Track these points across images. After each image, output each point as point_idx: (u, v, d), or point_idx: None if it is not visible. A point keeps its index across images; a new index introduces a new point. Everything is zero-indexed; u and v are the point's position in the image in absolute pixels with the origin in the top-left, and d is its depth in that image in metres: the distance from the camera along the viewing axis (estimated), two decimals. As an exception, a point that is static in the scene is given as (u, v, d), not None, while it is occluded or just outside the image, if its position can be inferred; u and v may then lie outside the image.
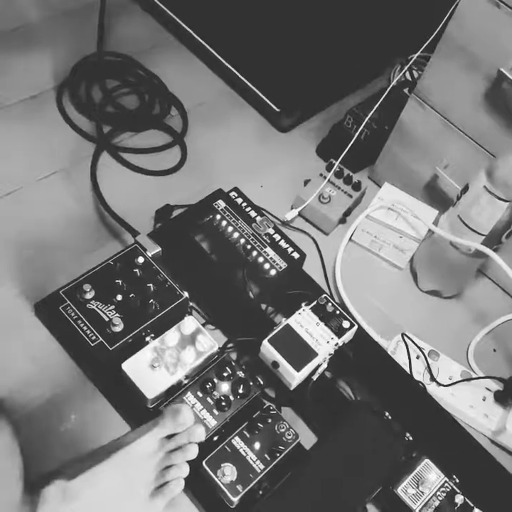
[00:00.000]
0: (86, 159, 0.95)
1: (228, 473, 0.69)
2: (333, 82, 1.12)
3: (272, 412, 0.74)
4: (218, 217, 0.88)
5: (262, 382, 0.77)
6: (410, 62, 0.99)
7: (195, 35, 1.12)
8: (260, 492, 0.70)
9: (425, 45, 0.91)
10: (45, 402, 0.74)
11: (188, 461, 0.66)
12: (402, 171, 1.01)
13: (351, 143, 0.99)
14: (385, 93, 0.98)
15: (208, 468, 0.69)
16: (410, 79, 1.13)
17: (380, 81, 1.18)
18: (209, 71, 1.14)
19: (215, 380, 0.74)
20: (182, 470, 0.65)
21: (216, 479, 0.68)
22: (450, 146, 0.93)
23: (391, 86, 1.00)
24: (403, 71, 1.08)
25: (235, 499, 0.68)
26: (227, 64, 1.10)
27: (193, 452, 0.66)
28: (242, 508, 0.69)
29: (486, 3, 0.78)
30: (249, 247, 0.86)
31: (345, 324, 0.80)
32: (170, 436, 0.66)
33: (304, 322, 0.79)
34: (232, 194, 0.91)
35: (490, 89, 0.84)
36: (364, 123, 1.00)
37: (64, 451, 0.69)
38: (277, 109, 1.07)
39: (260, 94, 1.08)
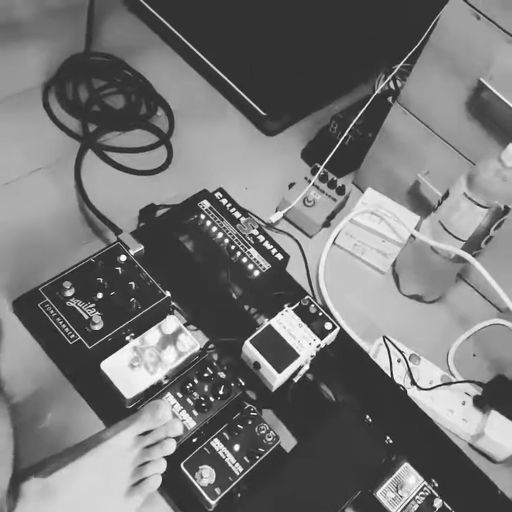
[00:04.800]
0: (71, 157, 0.94)
1: (206, 475, 0.68)
2: (319, 87, 1.13)
3: (252, 414, 0.73)
4: (203, 217, 0.88)
5: (243, 384, 0.76)
6: (393, 72, 1.01)
7: (182, 38, 1.12)
8: (239, 495, 0.69)
9: (409, 56, 0.93)
10: (22, 400, 0.72)
11: (166, 461, 0.65)
12: (385, 177, 1.02)
13: (336, 148, 0.99)
14: (369, 101, 0.99)
15: (186, 471, 0.68)
16: (394, 88, 1.15)
17: (366, 88, 1.19)
18: (196, 73, 1.14)
19: (196, 381, 0.74)
20: (159, 465, 0.64)
21: (194, 482, 0.68)
22: (432, 153, 0.94)
23: (375, 94, 1.01)
24: (386, 80, 1.10)
25: (213, 502, 0.67)
26: (213, 67, 1.10)
27: (170, 447, 0.65)
28: (220, 511, 0.68)
29: (468, 15, 0.79)
30: (233, 247, 0.86)
31: (328, 326, 0.80)
32: (147, 432, 0.65)
33: (287, 323, 0.79)
34: (217, 194, 0.91)
35: (470, 98, 0.85)
36: (348, 129, 1.01)
37: (40, 450, 0.67)
38: (263, 113, 1.08)
39: (246, 98, 1.09)
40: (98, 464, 0.61)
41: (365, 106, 0.99)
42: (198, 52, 1.12)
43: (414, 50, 0.90)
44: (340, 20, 1.02)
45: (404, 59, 0.94)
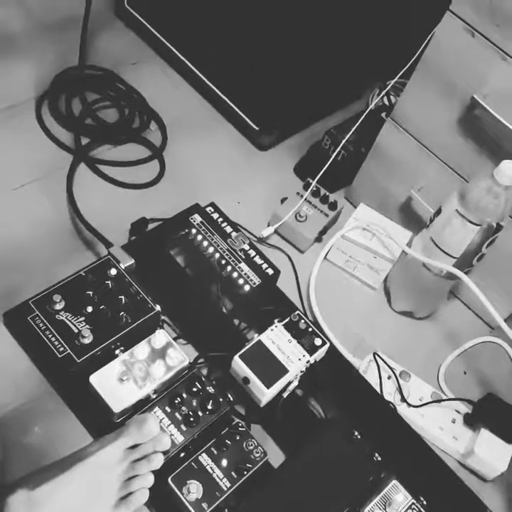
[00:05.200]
0: (63, 170, 0.94)
1: (194, 490, 0.67)
2: (313, 102, 1.13)
3: (240, 429, 0.73)
4: (194, 231, 0.88)
5: (231, 399, 0.76)
6: (388, 88, 1.01)
7: (177, 53, 1.13)
8: (226, 511, 0.69)
9: (403, 72, 0.93)
10: (10, 412, 0.72)
11: (153, 475, 0.65)
12: (377, 192, 1.02)
13: (328, 163, 1.00)
14: (362, 116, 1.00)
15: (173, 485, 0.68)
16: (388, 103, 1.15)
17: (359, 104, 1.20)
18: (190, 87, 1.14)
19: (184, 395, 0.73)
20: (147, 480, 0.64)
21: (181, 496, 0.67)
22: (424, 170, 0.94)
23: (368, 110, 1.02)
24: (380, 96, 1.11)
25: (200, 517, 0.67)
26: (207, 82, 1.11)
27: (158, 462, 0.65)
28: (207, 526, 0.68)
29: (462, 32, 0.80)
30: (223, 262, 0.86)
31: (318, 342, 0.80)
32: (134, 446, 0.65)
33: (276, 338, 0.79)
34: (209, 209, 0.91)
35: (464, 115, 0.85)
36: (341, 145, 1.02)
37: (27, 463, 0.67)
38: (256, 128, 1.08)
39: (240, 113, 1.09)
40: (85, 477, 0.61)
41: (359, 121, 1.00)
42: (191, 67, 1.12)
43: (408, 65, 0.91)
44: (335, 36, 1.03)
45: (398, 75, 0.94)
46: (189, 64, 1.12)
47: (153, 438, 0.66)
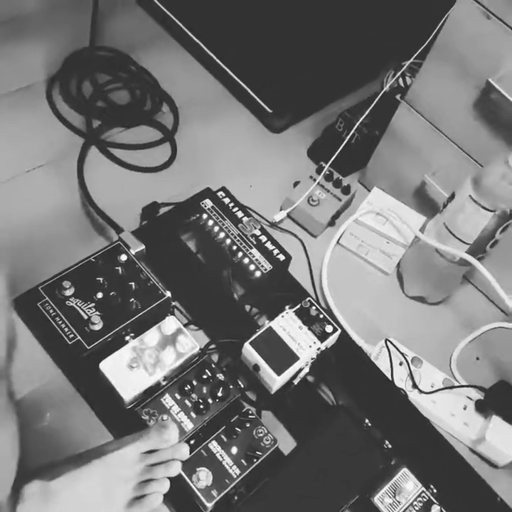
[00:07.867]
0: (74, 153, 0.94)
1: (203, 478, 0.68)
2: (327, 84, 1.11)
3: (250, 416, 0.73)
4: (205, 216, 0.87)
5: (242, 385, 0.76)
6: (402, 69, 0.99)
7: (189, 33, 1.11)
8: (235, 498, 0.69)
9: (418, 52, 0.91)
10: (22, 399, 0.73)
11: (169, 482, 0.65)
12: (391, 176, 1.01)
13: (342, 146, 0.98)
14: (377, 98, 0.98)
15: (182, 473, 0.68)
16: (403, 85, 1.13)
17: (374, 85, 1.17)
18: (202, 69, 1.13)
19: (194, 382, 0.74)
20: (162, 485, 0.65)
21: (191, 484, 0.68)
22: (439, 154, 0.92)
23: (383, 91, 0.99)
24: (395, 77, 1.08)
25: (210, 505, 0.67)
26: (220, 63, 1.09)
27: (175, 469, 0.65)
28: (217, 513, 0.68)
29: (478, 14, 0.78)
30: (234, 247, 0.85)
31: (328, 329, 0.79)
32: (153, 451, 0.65)
33: (287, 325, 0.78)
34: (220, 194, 0.90)
35: (479, 98, 0.83)
36: (355, 127, 1.00)
37: (38, 449, 0.68)
38: (270, 110, 1.07)
39: (253, 95, 1.07)
40: (101, 474, 0.62)
41: (373, 104, 0.97)
42: (204, 48, 1.10)
43: (423, 46, 0.88)
44: (349, 15, 1.00)
45: (414, 56, 0.92)
46: (201, 45, 1.10)
47: (172, 446, 0.66)
